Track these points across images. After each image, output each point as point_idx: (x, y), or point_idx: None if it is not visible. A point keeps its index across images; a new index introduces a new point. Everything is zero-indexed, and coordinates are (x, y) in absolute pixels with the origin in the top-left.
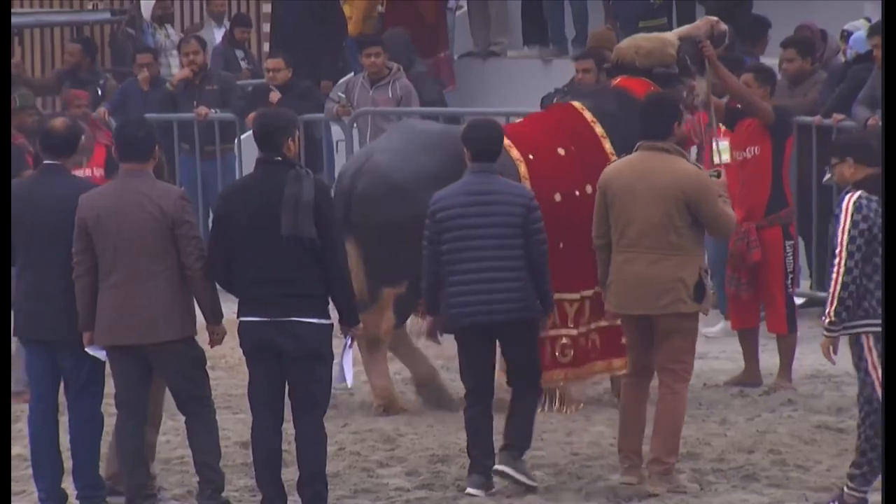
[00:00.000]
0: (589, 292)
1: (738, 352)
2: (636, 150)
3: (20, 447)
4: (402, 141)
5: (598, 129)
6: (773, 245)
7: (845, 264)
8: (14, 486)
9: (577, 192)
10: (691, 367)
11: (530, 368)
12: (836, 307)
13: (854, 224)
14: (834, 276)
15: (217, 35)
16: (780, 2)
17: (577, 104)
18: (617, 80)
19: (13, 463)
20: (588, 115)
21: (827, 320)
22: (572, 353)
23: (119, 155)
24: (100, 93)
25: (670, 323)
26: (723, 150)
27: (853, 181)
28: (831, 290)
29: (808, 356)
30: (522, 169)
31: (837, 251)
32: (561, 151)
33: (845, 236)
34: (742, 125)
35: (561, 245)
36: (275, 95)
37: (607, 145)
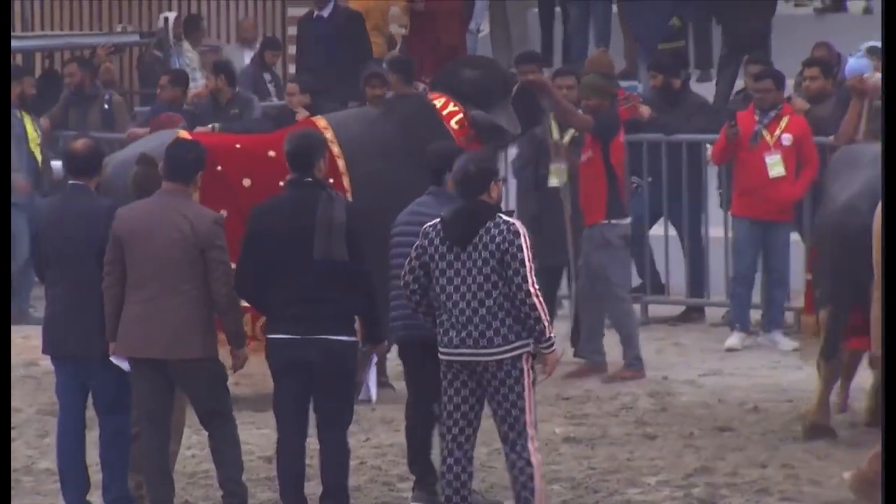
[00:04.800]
0: None
1: (753, 368)
2: None
3: (48, 461)
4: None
5: None
6: None
7: None
8: (42, 500)
9: None
10: None
11: None
12: None
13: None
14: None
15: (246, 58)
16: (799, 24)
17: None
18: None
19: (41, 477)
20: None
21: None
22: None
23: (165, 173)
24: (106, 107)
25: None
26: (774, 163)
27: None
28: None
29: None
30: None
31: None
32: None
33: None
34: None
35: None
36: (302, 115)
37: None
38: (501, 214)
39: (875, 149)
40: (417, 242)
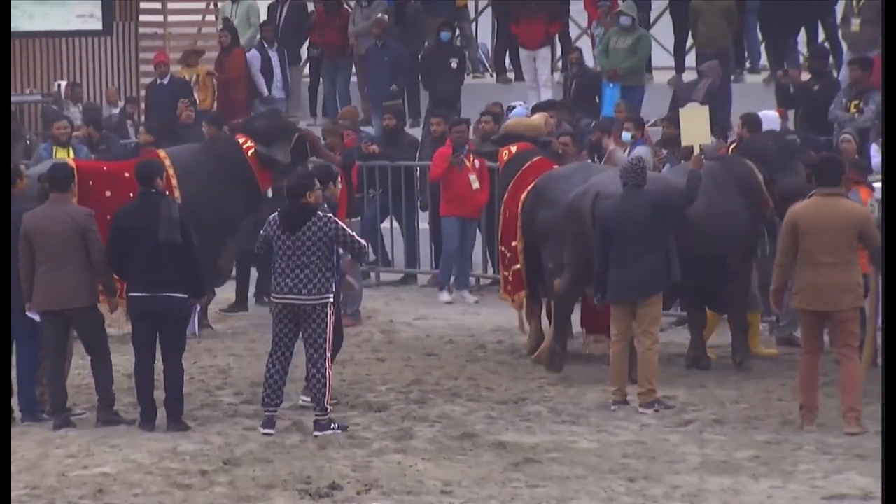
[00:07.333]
0: None
1: (449, 314)
2: (812, 196)
3: None
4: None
5: None
6: None
7: None
8: None
9: None
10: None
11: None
12: None
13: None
14: None
15: (112, 111)
16: (480, 89)
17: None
18: (515, 145)
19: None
20: None
21: None
22: None
23: (49, 187)
24: (29, 143)
25: (849, 314)
26: (474, 180)
27: None
28: None
29: (495, 317)
30: None
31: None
32: None
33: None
34: None
35: None
36: (149, 149)
37: None
38: (320, 212)
39: (574, 167)
40: (265, 227)
